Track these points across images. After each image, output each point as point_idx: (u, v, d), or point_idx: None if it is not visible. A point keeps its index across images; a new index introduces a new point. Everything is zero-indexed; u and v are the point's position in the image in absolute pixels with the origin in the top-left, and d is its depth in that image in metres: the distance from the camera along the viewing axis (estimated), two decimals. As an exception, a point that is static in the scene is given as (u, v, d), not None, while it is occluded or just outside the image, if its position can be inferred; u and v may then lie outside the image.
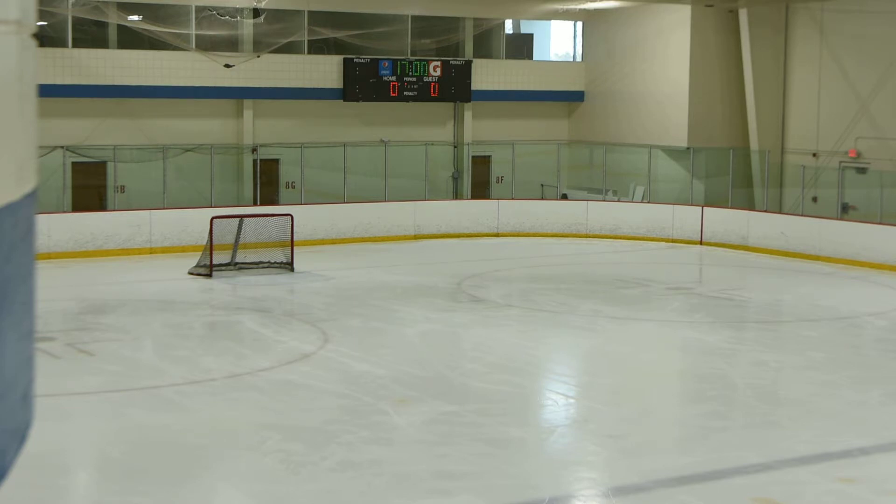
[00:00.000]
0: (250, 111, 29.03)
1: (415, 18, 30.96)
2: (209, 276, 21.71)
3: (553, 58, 34.35)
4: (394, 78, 30.23)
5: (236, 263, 22.47)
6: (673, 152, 30.66)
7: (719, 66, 30.37)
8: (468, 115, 31.93)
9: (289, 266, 22.57)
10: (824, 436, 11.84)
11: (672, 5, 29.92)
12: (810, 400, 13.47)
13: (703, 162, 30.17)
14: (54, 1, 25.72)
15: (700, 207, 28.04)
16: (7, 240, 2.52)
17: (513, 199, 29.91)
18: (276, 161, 29.38)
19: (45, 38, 25.92)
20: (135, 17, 27.60)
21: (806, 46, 29.53)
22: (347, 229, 27.15)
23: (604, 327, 17.73)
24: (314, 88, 29.54)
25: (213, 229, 22.08)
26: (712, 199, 29.18)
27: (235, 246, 22.52)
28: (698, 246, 27.49)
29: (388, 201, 28.39)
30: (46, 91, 24.57)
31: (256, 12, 28.48)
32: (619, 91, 32.14)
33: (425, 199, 29.04)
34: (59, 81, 26.03)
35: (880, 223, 24.96)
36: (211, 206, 25.81)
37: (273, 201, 28.69)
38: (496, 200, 29.60)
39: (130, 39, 27.72)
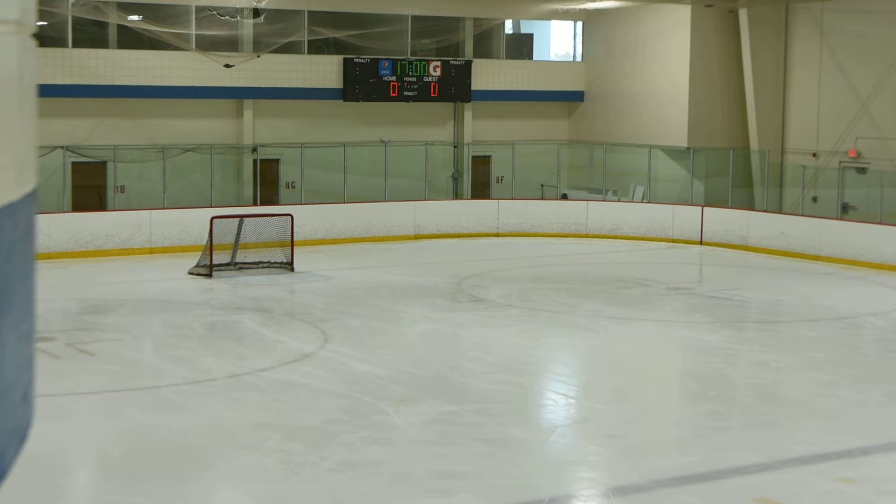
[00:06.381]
0: (250, 111, 29.03)
1: (415, 18, 30.95)
2: (209, 276, 21.71)
3: (553, 58, 34.34)
4: (394, 78, 30.22)
5: (236, 263, 22.47)
6: (673, 152, 30.65)
7: (719, 66, 30.37)
8: (468, 115, 31.92)
9: (289, 266, 22.57)
10: (824, 436, 11.83)
11: (672, 5, 29.92)
12: (810, 400, 13.47)
13: (703, 162, 30.16)
14: (54, 1, 25.71)
15: (700, 207, 28.03)
16: (7, 240, 2.52)
17: (513, 199, 29.90)
18: (276, 161, 29.37)
19: (45, 38, 25.90)
20: (135, 17, 27.59)
21: (806, 46, 29.52)
22: (347, 229, 27.14)
23: (604, 327, 17.73)
24: (314, 88, 29.53)
25: (213, 229, 22.08)
26: (712, 199, 29.17)
27: (235, 246, 22.52)
28: (698, 246, 27.49)
29: (388, 201, 28.39)
30: (46, 91, 24.55)
31: (256, 12, 28.47)
32: (619, 91, 32.13)
33: (425, 199, 29.03)
34: (59, 81, 26.02)
35: (880, 223, 24.95)
36: (211, 206, 25.80)
37: (273, 201, 28.67)
38: (496, 200, 29.59)
39: (130, 39, 27.71)
